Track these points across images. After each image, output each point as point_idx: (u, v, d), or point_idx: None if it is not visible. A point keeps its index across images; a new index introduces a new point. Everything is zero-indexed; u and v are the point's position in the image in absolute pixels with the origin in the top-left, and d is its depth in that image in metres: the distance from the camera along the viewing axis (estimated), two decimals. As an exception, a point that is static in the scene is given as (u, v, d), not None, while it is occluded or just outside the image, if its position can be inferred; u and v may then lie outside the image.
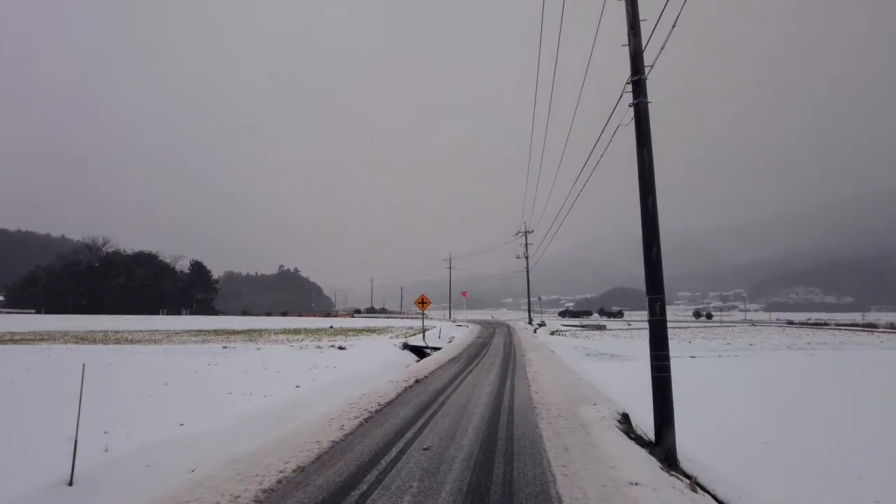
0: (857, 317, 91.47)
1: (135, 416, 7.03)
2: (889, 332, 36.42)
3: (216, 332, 31.64)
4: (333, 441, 5.87)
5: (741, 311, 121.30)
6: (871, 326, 47.11)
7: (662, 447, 6.77)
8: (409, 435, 6.22)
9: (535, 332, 38.66)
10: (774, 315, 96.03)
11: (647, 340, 7.03)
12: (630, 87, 7.51)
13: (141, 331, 33.01)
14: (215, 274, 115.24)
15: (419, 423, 6.85)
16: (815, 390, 11.86)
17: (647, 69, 7.37)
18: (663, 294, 7.07)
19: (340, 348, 20.18)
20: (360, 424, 6.69)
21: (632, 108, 7.46)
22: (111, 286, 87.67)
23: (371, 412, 7.42)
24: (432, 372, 12.72)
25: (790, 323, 52.41)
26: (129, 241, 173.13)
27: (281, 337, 27.10)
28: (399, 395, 9.07)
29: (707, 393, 10.61)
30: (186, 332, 32.69)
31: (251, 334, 29.77)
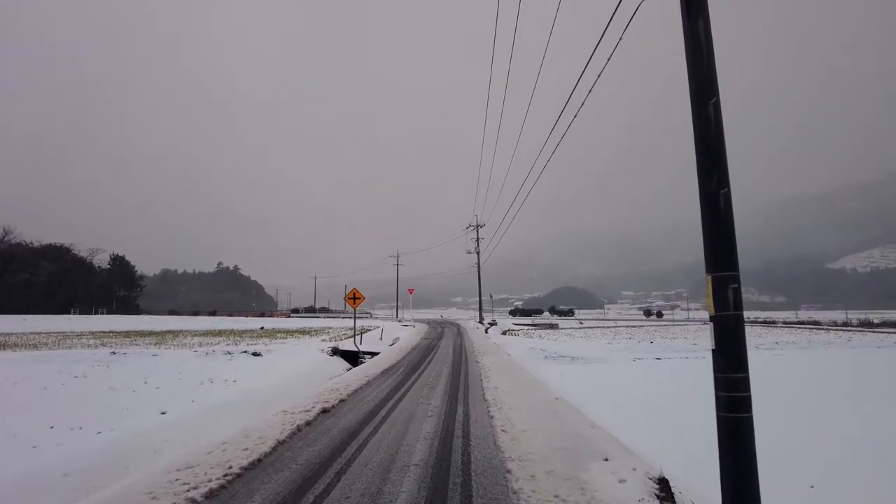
0: (790, 315, 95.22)
1: None
2: (847, 330, 36.19)
3: (126, 334, 26.95)
4: None
5: (684, 309, 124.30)
6: (815, 324, 47.67)
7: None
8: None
9: (486, 331, 35.78)
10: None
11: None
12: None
13: (37, 332, 27.58)
14: (149, 271, 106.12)
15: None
16: (824, 400, 9.31)
17: None
18: (738, 271, 3.81)
19: (255, 354, 16.48)
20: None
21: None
22: (12, 282, 77.51)
23: (204, 493, 3.85)
24: (356, 391, 9.19)
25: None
26: (44, 234, 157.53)
27: (196, 340, 22.90)
28: (281, 442, 5.45)
29: (694, 405, 7.97)
30: (91, 333, 27.69)
31: (165, 336, 25.41)
